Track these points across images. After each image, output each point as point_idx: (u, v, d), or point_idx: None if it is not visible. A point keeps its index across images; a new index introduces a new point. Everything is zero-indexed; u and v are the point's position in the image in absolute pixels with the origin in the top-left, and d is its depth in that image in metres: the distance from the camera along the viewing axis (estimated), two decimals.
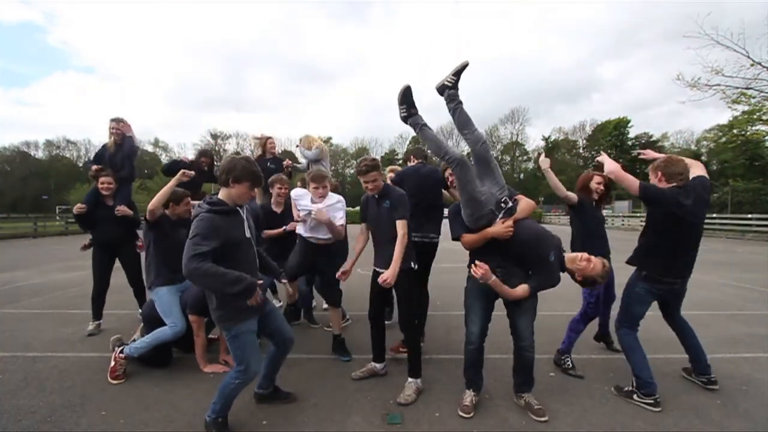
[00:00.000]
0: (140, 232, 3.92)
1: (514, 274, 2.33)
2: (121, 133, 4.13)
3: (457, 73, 2.49)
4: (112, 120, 4.13)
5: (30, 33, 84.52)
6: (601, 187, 3.26)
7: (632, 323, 2.64)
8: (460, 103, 2.51)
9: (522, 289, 2.27)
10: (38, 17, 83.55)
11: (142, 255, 3.86)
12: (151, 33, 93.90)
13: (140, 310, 4.00)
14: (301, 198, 3.37)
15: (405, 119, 2.53)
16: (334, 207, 3.23)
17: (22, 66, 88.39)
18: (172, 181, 3.18)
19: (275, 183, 3.87)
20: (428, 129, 2.52)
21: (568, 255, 2.36)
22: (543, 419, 2.31)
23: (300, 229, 3.39)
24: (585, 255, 2.32)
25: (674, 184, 2.48)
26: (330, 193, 3.28)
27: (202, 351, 3.03)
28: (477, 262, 2.26)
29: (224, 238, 1.97)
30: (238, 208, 2.13)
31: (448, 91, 2.50)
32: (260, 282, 2.02)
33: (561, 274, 2.34)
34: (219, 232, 1.94)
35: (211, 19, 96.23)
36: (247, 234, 2.14)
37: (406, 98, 2.50)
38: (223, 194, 2.07)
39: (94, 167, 3.91)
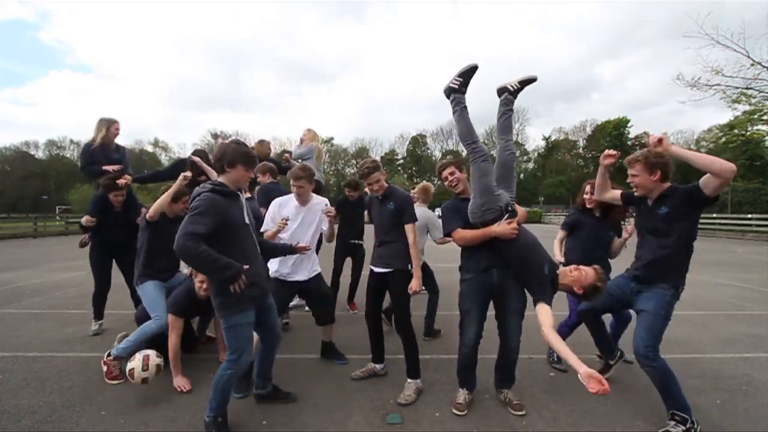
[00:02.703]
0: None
1: (509, 276, 2.34)
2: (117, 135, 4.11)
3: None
4: (116, 121, 4.08)
5: (22, 30, 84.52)
6: (593, 196, 2.82)
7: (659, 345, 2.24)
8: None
9: (545, 309, 2.11)
10: (30, 15, 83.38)
11: None
12: (147, 32, 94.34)
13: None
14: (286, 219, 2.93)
15: (451, 91, 2.41)
16: (317, 220, 3.06)
17: (17, 65, 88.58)
18: (174, 187, 3.15)
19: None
20: (467, 113, 2.43)
21: (560, 270, 2.29)
22: (521, 413, 2.37)
23: (275, 266, 2.96)
24: (572, 266, 2.25)
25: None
26: (314, 196, 3.10)
27: (175, 357, 2.77)
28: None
29: (223, 218, 1.98)
30: (238, 192, 2.16)
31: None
32: (246, 267, 1.99)
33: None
34: (218, 211, 1.96)
35: (207, 18, 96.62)
36: (246, 220, 2.16)
37: (468, 75, 2.39)
38: (222, 179, 2.10)
39: (114, 167, 3.78)
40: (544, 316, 2.08)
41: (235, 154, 2.06)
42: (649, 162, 2.22)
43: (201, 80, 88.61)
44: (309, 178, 2.95)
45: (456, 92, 2.42)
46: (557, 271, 2.27)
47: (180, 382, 2.73)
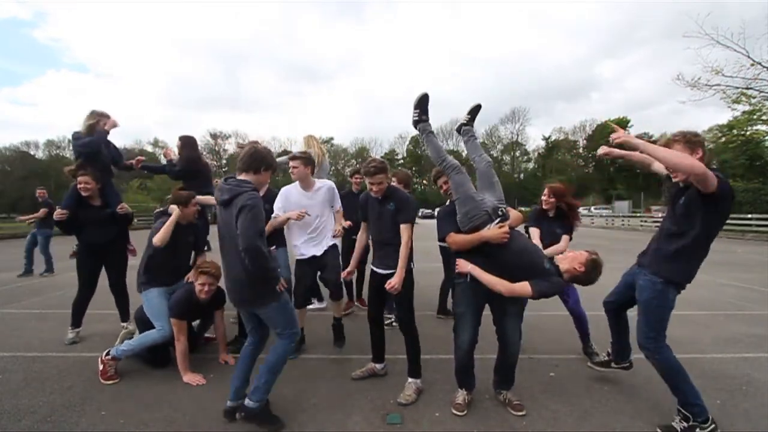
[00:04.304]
0: (133, 233, 3.82)
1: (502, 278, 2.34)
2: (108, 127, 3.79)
3: (472, 111, 2.79)
4: (103, 114, 3.70)
5: (16, 29, 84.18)
6: (551, 199, 3.13)
7: (664, 338, 2.24)
8: (431, 133, 2.66)
9: (522, 285, 2.18)
10: (26, 14, 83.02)
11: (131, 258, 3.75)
12: (145, 31, 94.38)
13: (123, 324, 3.72)
14: (288, 199, 3.24)
15: (416, 123, 2.66)
16: (328, 197, 3.28)
17: (16, 64, 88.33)
18: (173, 217, 3.05)
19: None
20: (434, 137, 2.66)
21: (556, 259, 2.34)
22: (521, 413, 2.37)
23: (300, 249, 3.28)
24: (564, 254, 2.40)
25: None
26: (317, 181, 3.32)
27: (183, 357, 2.86)
28: (459, 260, 2.35)
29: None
30: None
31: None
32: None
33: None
34: None
35: (207, 17, 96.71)
36: None
37: (422, 104, 2.61)
38: (251, 179, 2.20)
39: (67, 169, 3.50)
40: (521, 285, 2.20)
41: (272, 159, 2.29)
42: (689, 140, 2.05)
43: (200, 80, 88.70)
44: (305, 160, 3.15)
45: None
46: (555, 263, 2.32)
47: (191, 378, 2.80)
